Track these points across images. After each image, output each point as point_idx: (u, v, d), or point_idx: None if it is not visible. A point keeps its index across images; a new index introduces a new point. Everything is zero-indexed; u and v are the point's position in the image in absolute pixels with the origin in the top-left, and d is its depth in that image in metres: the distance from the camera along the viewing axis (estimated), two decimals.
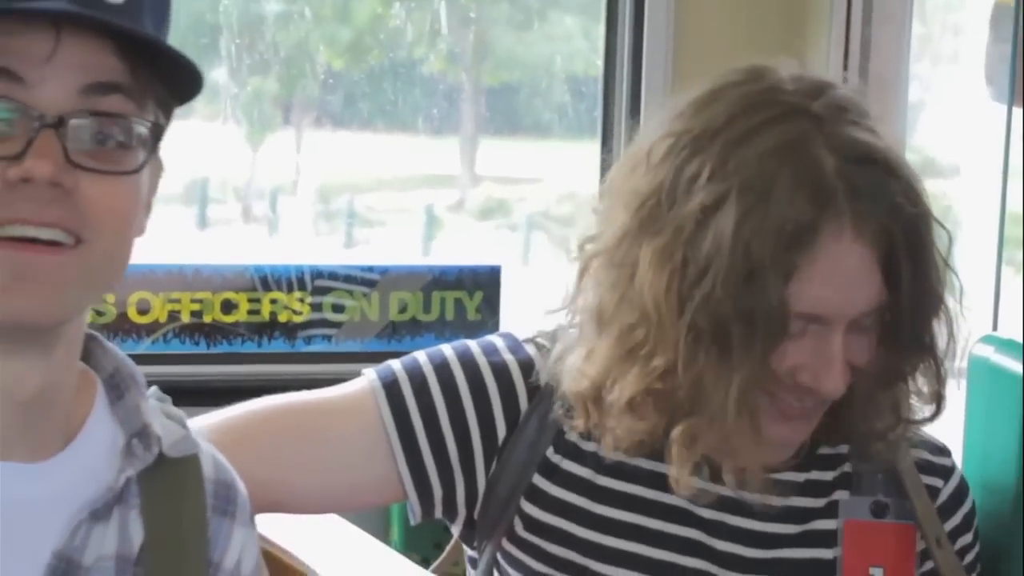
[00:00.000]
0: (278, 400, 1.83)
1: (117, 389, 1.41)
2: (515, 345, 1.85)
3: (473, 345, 1.84)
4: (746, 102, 1.72)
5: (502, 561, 1.81)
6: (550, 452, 1.79)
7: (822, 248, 1.65)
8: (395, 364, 1.83)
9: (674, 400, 1.69)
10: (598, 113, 3.08)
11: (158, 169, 1.38)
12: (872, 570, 1.74)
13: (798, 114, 1.71)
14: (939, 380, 1.78)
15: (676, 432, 1.68)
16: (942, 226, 1.75)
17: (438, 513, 1.82)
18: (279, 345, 2.75)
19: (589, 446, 1.80)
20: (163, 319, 2.67)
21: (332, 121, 4.34)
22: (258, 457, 1.72)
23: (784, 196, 1.65)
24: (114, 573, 1.34)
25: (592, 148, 4.05)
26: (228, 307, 2.74)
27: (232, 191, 4.45)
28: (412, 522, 1.82)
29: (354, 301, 2.79)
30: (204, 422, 1.75)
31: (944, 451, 1.88)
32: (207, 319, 2.71)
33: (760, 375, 1.65)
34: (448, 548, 2.02)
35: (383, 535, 2.65)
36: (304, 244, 4.51)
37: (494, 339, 1.86)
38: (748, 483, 1.72)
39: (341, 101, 4.33)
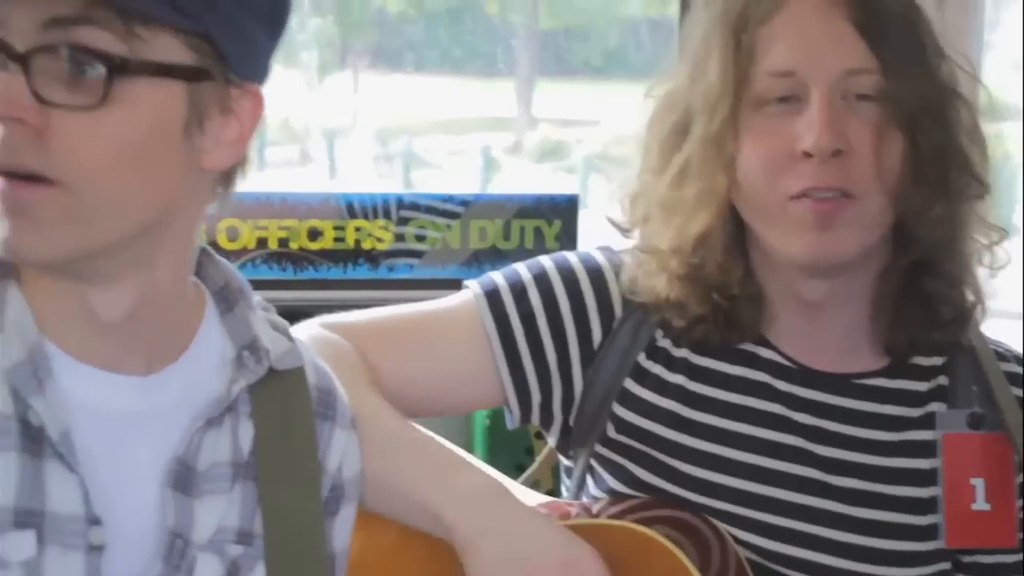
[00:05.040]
0: (391, 309, 1.86)
1: (226, 302, 1.44)
2: (612, 255, 1.88)
3: (571, 256, 1.87)
4: None
5: (596, 465, 1.84)
6: (642, 358, 1.81)
7: (782, 9, 1.70)
8: (496, 275, 1.85)
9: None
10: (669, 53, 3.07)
11: (202, 102, 1.27)
12: (973, 481, 1.75)
13: None
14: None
15: None
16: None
17: (535, 419, 1.84)
18: (363, 271, 2.77)
19: (680, 352, 1.82)
20: (251, 245, 2.70)
21: (388, 64, 4.36)
22: (381, 353, 1.76)
23: None
24: (229, 479, 1.38)
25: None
26: (314, 234, 2.77)
27: (290, 133, 4.48)
28: (510, 427, 1.84)
29: (437, 230, 2.81)
30: (319, 322, 1.79)
31: None
32: (294, 246, 2.73)
33: (768, 155, 1.68)
34: (541, 457, 2.05)
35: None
36: (362, 186, 4.52)
37: (592, 251, 1.89)
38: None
39: (397, 44, 4.35)
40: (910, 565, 1.76)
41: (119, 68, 1.21)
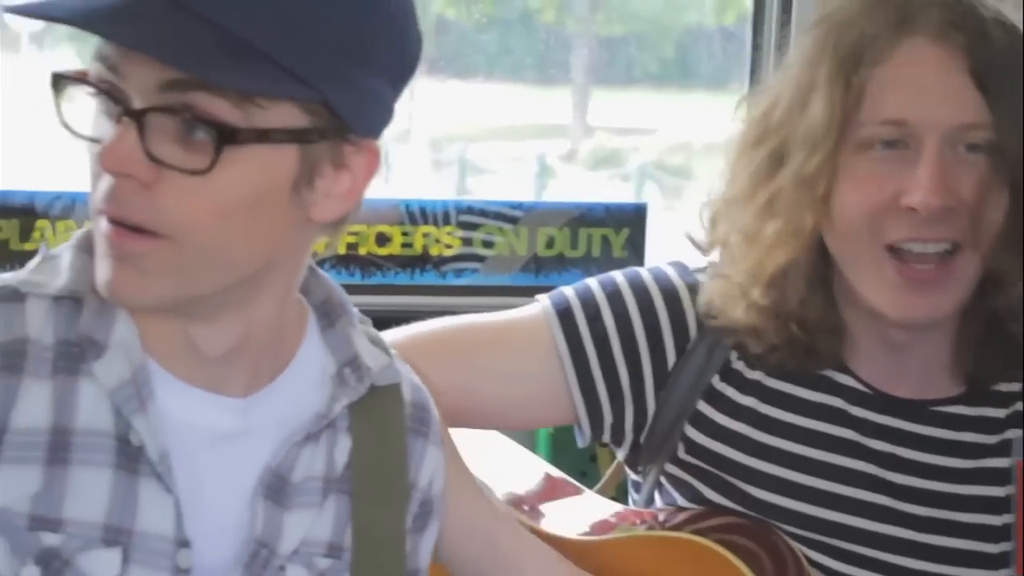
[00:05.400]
0: (460, 319, 1.84)
1: (328, 317, 1.43)
2: (686, 273, 1.84)
3: (644, 273, 1.84)
4: None
5: (665, 483, 1.83)
6: (715, 380, 1.80)
7: (897, 53, 1.64)
8: (568, 291, 1.83)
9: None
10: (744, 59, 3.02)
11: (314, 164, 1.26)
12: None
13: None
14: None
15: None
16: None
17: (606, 437, 1.84)
18: (430, 277, 2.77)
19: (754, 374, 1.80)
20: (320, 249, 2.71)
21: (445, 71, 4.35)
22: (450, 365, 1.75)
23: (859, 19, 1.67)
24: (321, 493, 1.39)
25: (706, 99, 4.05)
26: (382, 240, 2.77)
27: None
28: (580, 445, 1.83)
29: (503, 236, 2.80)
30: (391, 337, 1.77)
31: None
32: (362, 251, 2.74)
33: (862, 202, 1.62)
34: (610, 472, 2.04)
35: None
36: (417, 191, 4.52)
37: (665, 267, 1.86)
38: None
39: (455, 51, 4.34)
40: None
41: (230, 136, 1.21)
